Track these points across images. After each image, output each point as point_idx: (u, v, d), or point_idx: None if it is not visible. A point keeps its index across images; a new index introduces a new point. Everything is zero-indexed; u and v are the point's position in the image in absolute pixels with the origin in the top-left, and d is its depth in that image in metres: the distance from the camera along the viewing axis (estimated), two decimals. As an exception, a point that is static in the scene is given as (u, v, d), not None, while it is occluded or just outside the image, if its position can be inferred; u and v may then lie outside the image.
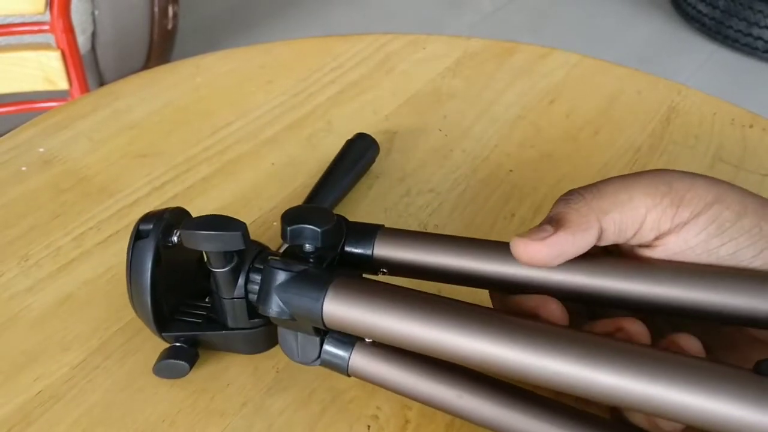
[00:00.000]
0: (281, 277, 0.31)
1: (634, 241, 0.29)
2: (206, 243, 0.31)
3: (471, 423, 0.30)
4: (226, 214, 0.32)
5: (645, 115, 0.56)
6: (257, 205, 0.47)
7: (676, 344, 0.28)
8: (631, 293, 0.28)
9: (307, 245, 0.32)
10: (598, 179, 0.30)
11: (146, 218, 0.33)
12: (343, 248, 0.33)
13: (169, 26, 1.39)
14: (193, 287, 0.37)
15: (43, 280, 0.41)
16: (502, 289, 0.31)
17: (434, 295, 0.30)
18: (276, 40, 0.65)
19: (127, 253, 0.33)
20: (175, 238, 0.33)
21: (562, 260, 0.28)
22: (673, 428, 0.27)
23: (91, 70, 1.35)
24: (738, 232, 0.28)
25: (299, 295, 0.30)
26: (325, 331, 0.32)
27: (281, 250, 0.34)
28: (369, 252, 0.33)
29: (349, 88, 0.58)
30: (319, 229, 0.31)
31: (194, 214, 0.34)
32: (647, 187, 0.28)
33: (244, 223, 0.31)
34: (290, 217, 0.32)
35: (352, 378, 0.33)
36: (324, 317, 0.30)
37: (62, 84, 0.80)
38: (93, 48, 1.33)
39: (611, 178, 0.30)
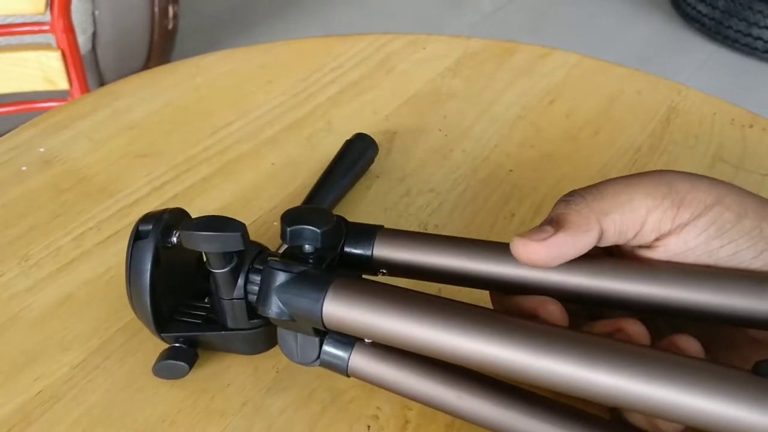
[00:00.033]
0: (281, 277, 0.31)
1: (635, 242, 0.29)
2: (206, 244, 0.31)
3: (471, 423, 0.30)
4: (226, 214, 0.32)
5: (645, 115, 0.56)
6: (257, 205, 0.47)
7: (675, 345, 0.28)
8: (631, 294, 0.28)
9: (306, 246, 0.32)
10: (598, 179, 0.30)
11: (145, 219, 0.33)
12: (343, 249, 0.33)
13: (169, 26, 1.39)
14: (193, 288, 0.37)
15: (43, 280, 0.41)
16: (502, 289, 0.31)
17: (433, 295, 0.30)
18: (276, 40, 0.65)
19: (127, 253, 0.33)
20: (174, 239, 0.33)
21: (561, 261, 0.28)
22: (673, 429, 0.27)
23: (91, 70, 1.35)
24: (738, 234, 0.28)
25: (299, 296, 0.30)
26: (324, 332, 0.32)
27: (281, 251, 0.34)
28: (368, 253, 0.33)
29: (349, 88, 0.58)
30: (318, 230, 0.31)
31: (194, 215, 0.34)
32: (648, 188, 0.28)
33: (244, 224, 0.31)
34: (290, 217, 0.32)
35: (352, 378, 0.33)
36: (323, 318, 0.30)
37: (62, 84, 0.80)
38: (93, 48, 1.33)
39: (612, 179, 0.30)
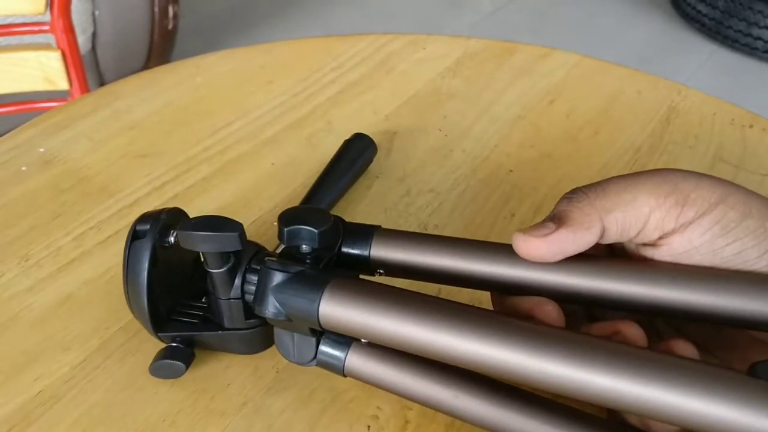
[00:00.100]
0: (278, 277, 0.31)
1: (638, 240, 0.29)
2: (203, 244, 0.31)
3: (468, 423, 0.30)
4: (226, 214, 0.32)
5: (645, 115, 0.56)
6: (257, 205, 0.47)
7: (672, 351, 0.28)
8: (631, 295, 0.28)
9: (304, 246, 0.32)
10: (599, 179, 0.30)
11: (143, 219, 0.34)
12: (340, 249, 0.33)
13: (169, 26, 1.39)
14: (190, 287, 0.37)
15: (43, 280, 0.41)
16: (500, 290, 0.31)
17: (430, 296, 0.30)
18: (276, 40, 0.65)
19: (124, 253, 0.33)
20: (172, 239, 0.33)
21: (561, 257, 0.28)
22: (668, 430, 0.27)
23: (91, 70, 1.35)
24: (743, 233, 0.27)
25: (296, 296, 0.30)
26: (321, 332, 0.32)
27: (278, 251, 0.34)
28: (366, 253, 0.33)
29: (349, 88, 0.58)
30: (316, 230, 0.31)
31: (194, 214, 0.34)
32: (651, 186, 0.28)
33: (241, 224, 0.31)
34: (287, 218, 0.32)
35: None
36: (320, 318, 0.30)
37: (62, 84, 0.80)
38: (93, 48, 1.33)
39: (615, 177, 0.30)
